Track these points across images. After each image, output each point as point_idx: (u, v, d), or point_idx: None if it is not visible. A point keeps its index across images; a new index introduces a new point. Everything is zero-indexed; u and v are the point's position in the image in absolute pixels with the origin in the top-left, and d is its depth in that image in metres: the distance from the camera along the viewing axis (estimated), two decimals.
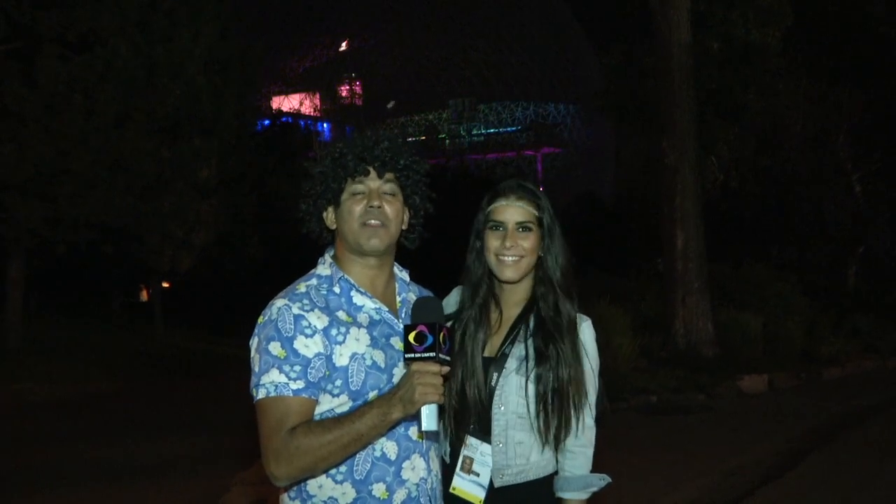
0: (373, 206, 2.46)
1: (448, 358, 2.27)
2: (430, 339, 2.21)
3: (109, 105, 16.06)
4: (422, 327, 2.22)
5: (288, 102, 70.90)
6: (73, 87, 15.73)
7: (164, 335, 25.13)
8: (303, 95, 74.88)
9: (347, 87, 77.07)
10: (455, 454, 2.71)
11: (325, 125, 65.67)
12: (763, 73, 24.00)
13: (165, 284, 28.49)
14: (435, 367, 2.21)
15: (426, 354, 2.20)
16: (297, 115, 61.62)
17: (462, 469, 2.66)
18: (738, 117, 24.52)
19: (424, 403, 2.20)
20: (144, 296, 33.10)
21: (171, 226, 19.13)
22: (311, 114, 70.69)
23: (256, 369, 2.36)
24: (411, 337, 2.22)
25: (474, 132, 73.11)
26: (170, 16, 17.95)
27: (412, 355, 2.22)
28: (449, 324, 2.73)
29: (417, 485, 2.46)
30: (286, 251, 23.42)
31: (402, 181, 2.54)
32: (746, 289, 19.36)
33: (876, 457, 9.62)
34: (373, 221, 2.45)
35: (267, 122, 38.64)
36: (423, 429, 2.24)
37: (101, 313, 29.65)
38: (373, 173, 2.49)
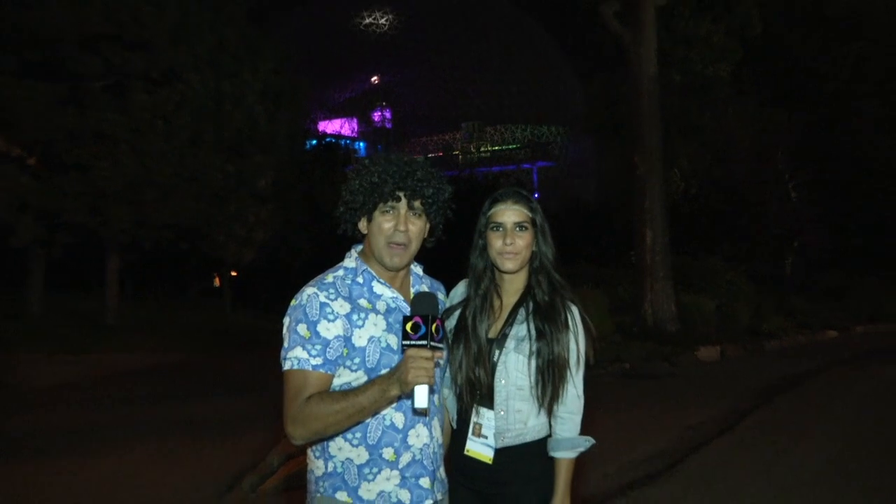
0: (400, 230, 2.44)
1: (441, 345, 2.23)
2: (423, 329, 2.17)
3: (184, 129, 16.09)
4: (417, 318, 2.18)
5: (331, 126, 70.99)
6: (156, 114, 15.76)
7: (231, 314, 25.22)
8: (343, 120, 75.02)
9: (379, 114, 77.19)
10: (462, 421, 2.68)
11: (361, 144, 65.69)
12: (716, 100, 23.89)
13: (233, 273, 28.59)
14: (427, 353, 2.16)
15: (420, 342, 2.16)
16: (338, 136, 61.66)
17: (473, 434, 2.63)
18: (696, 136, 24.43)
19: (416, 384, 2.15)
20: (217, 282, 33.16)
21: (235, 226, 19.19)
22: (350, 135, 70.85)
23: (286, 345, 2.35)
24: (408, 327, 2.18)
25: (482, 149, 72.98)
26: (234, 56, 17.99)
27: (408, 342, 2.17)
28: (457, 313, 2.71)
29: (421, 449, 2.45)
30: (329, 245, 23.45)
31: (426, 207, 2.50)
32: (703, 277, 19.28)
33: (809, 413, 9.60)
34: (398, 239, 2.43)
35: (314, 141, 38.65)
36: (415, 406, 2.19)
37: (181, 297, 29.79)
38: (403, 200, 2.45)
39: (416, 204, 2.47)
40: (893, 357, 15.65)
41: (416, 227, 2.47)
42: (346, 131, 72.52)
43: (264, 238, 20.47)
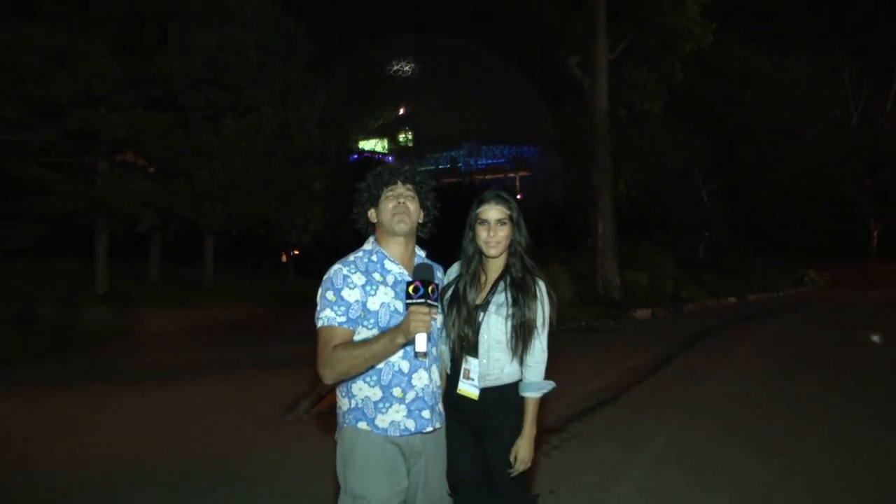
0: (400, 203, 2.40)
1: (436, 304, 2.18)
2: (422, 291, 2.13)
3: (261, 147, 16.06)
4: (417, 282, 2.14)
5: (368, 144, 70.79)
6: (241, 136, 15.70)
7: (294, 282, 25.15)
8: (377, 140, 74.91)
9: (404, 135, 77.09)
10: (454, 369, 2.61)
11: (390, 158, 65.54)
12: (651, 129, 23.91)
13: (296, 252, 28.57)
14: (425, 309, 2.12)
15: (419, 301, 2.12)
16: (373, 152, 61.62)
17: (463, 377, 2.57)
18: (636, 156, 24.46)
19: (417, 333, 2.12)
20: (284, 258, 33.11)
21: (297, 219, 19.14)
22: (382, 151, 70.79)
23: (318, 307, 2.33)
24: (410, 289, 2.14)
25: (479, 162, 72.60)
26: (297, 94, 17.95)
27: (410, 301, 2.14)
28: (452, 288, 2.64)
29: (423, 388, 2.39)
30: (364, 234, 23.30)
31: (417, 190, 2.46)
32: (639, 258, 19.21)
33: (715, 357, 9.51)
34: (400, 210, 2.39)
35: (355, 156, 38.50)
36: (416, 350, 2.15)
37: (258, 268, 29.79)
38: (399, 183, 2.43)
39: (410, 186, 2.43)
40: (774, 317, 15.57)
41: (412, 205, 2.42)
42: (379, 148, 72.47)
43: (318, 227, 20.34)
